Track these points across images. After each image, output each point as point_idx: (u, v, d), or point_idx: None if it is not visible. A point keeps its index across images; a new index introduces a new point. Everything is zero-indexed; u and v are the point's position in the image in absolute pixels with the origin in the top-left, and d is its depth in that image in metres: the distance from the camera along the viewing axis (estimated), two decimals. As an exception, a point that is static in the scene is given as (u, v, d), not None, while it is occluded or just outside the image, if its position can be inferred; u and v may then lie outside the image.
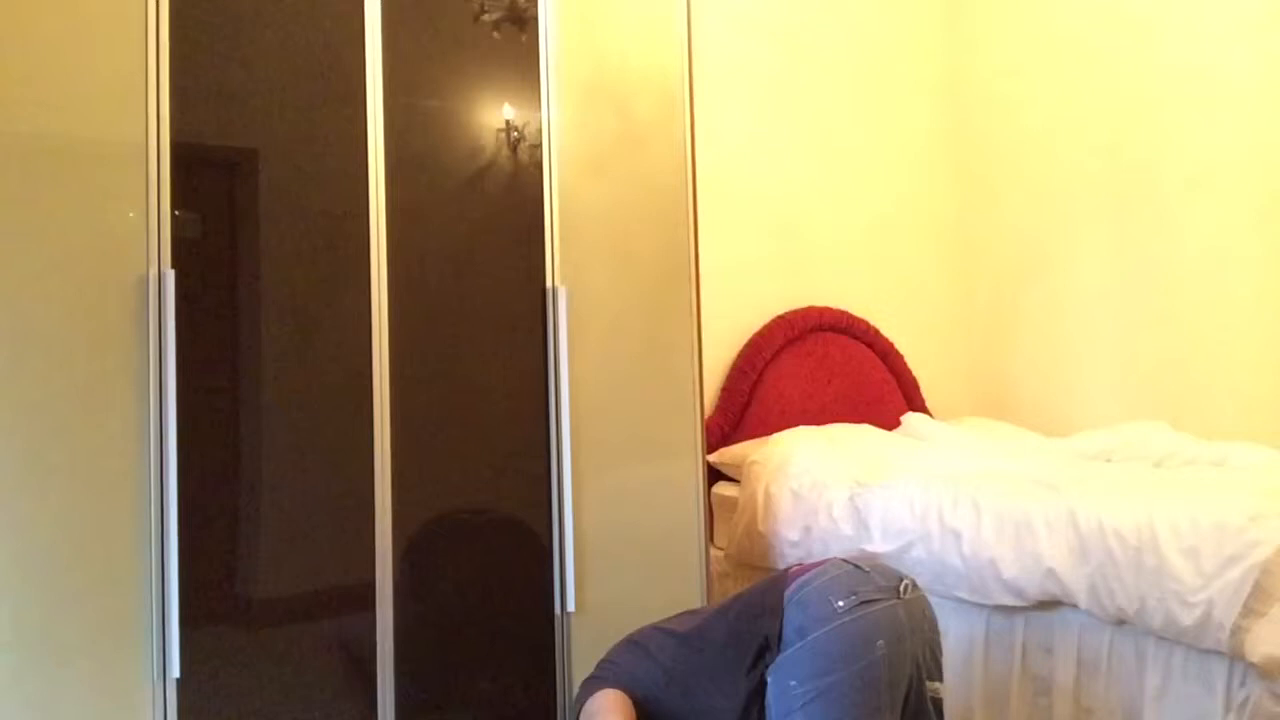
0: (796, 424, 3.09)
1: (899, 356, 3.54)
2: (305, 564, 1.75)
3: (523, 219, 2.00)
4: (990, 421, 3.29)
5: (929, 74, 3.84)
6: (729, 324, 3.24)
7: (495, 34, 1.99)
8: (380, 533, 1.82)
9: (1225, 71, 2.90)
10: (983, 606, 2.10)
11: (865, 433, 2.92)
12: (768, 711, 1.46)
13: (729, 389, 3.15)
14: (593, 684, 1.60)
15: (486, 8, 1.98)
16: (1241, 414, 2.87)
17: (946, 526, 2.14)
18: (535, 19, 2.03)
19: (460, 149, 1.94)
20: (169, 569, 1.60)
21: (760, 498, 2.60)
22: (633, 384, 2.10)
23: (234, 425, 1.71)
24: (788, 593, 1.52)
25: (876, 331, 3.50)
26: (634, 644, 1.64)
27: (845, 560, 1.56)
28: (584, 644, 2.00)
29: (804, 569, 1.56)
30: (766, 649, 1.50)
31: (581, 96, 2.08)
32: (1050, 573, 1.93)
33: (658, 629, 1.66)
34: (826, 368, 3.33)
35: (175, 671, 1.60)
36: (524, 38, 2.02)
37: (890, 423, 3.28)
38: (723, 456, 2.93)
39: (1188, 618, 1.69)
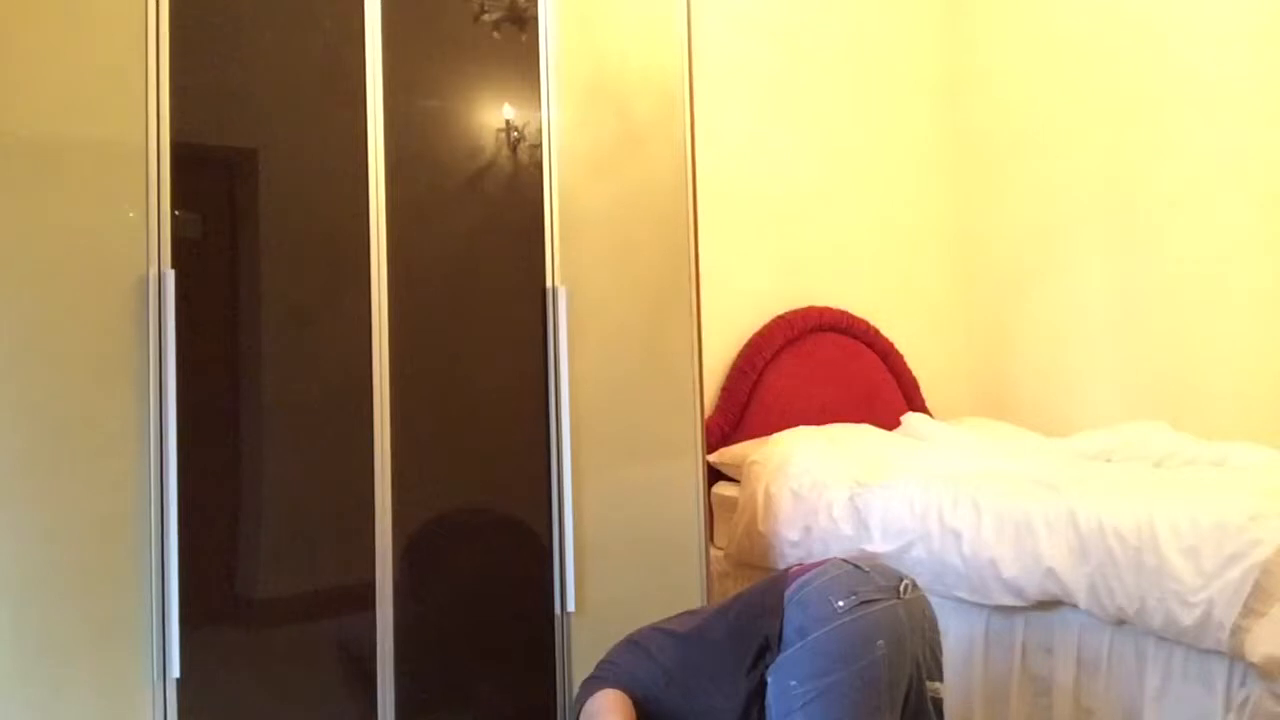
0: (796, 424, 3.09)
1: (899, 356, 3.54)
2: (305, 564, 1.75)
3: (523, 219, 2.00)
4: (990, 421, 3.29)
5: (929, 74, 3.84)
6: (729, 324, 3.24)
7: (495, 34, 1.99)
8: (380, 533, 1.82)
9: (1225, 73, 2.90)
10: (983, 606, 2.10)
11: (865, 433, 2.92)
12: (768, 711, 1.46)
13: (729, 389, 3.15)
14: (593, 684, 1.60)
15: (486, 8, 1.98)
16: (1241, 414, 2.87)
17: (946, 526, 2.14)
18: (535, 19, 2.03)
19: (460, 149, 1.94)
20: (169, 569, 1.60)
21: (760, 498, 2.60)
22: (633, 384, 2.10)
23: (234, 425, 1.71)
24: (788, 593, 1.52)
25: (876, 331, 3.50)
26: (634, 644, 1.64)
27: (845, 560, 1.56)
28: (584, 644, 2.00)
29: (804, 569, 1.56)
30: (766, 649, 1.50)
31: (581, 96, 2.08)
32: (1050, 572, 1.93)
33: (658, 629, 1.66)
34: (826, 368, 3.32)
35: (175, 671, 1.60)
36: (524, 38, 2.02)
37: (890, 423, 3.28)
38: (723, 456, 2.93)
39: (1188, 618, 1.69)
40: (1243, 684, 1.66)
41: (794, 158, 3.46)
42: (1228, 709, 1.67)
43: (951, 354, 3.81)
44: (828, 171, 3.54)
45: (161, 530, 1.61)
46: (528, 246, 2.00)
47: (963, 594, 2.11)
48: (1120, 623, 1.85)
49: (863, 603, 1.45)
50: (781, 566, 2.37)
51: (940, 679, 1.54)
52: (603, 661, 1.65)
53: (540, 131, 2.02)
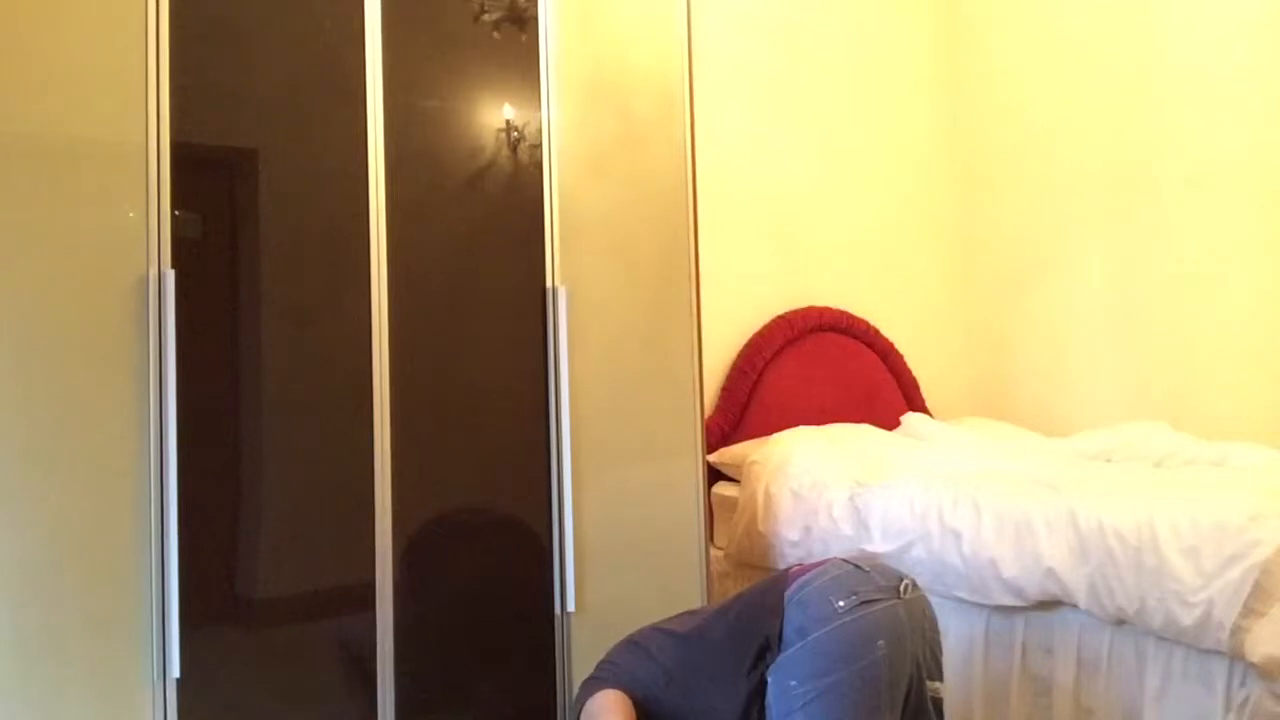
0: (796, 424, 3.09)
1: (899, 356, 3.54)
2: (305, 564, 1.75)
3: (523, 219, 2.00)
4: (990, 421, 3.29)
5: (929, 74, 3.84)
6: (729, 324, 3.23)
7: (495, 34, 1.99)
8: (380, 533, 1.82)
9: (1225, 71, 2.90)
10: (983, 606, 2.10)
11: (865, 433, 2.92)
12: (768, 711, 1.46)
13: (729, 389, 3.15)
14: (593, 684, 1.60)
15: (486, 8, 1.98)
16: (1241, 414, 2.87)
17: (946, 526, 2.14)
18: (535, 19, 2.03)
19: (460, 149, 1.94)
20: (169, 569, 1.60)
21: (760, 498, 2.60)
22: (633, 384, 2.10)
23: (234, 425, 1.71)
24: (788, 593, 1.52)
25: (876, 331, 3.50)
26: (634, 644, 1.64)
27: (845, 560, 1.56)
28: (584, 644, 2.00)
29: (804, 569, 1.56)
30: (767, 649, 1.50)
31: (581, 96, 2.08)
32: (1050, 572, 1.93)
33: (658, 629, 1.66)
34: (826, 368, 3.32)
35: (175, 671, 1.60)
36: (524, 38, 2.02)
37: (890, 423, 3.28)
38: (723, 456, 2.93)
39: (1188, 618, 1.69)
40: (1243, 684, 1.66)
41: (794, 157, 3.46)
42: (1228, 709, 1.67)
43: (951, 354, 3.81)
44: (827, 171, 3.54)
45: (161, 529, 1.61)
46: (528, 246, 2.00)
47: (963, 594, 2.11)
48: (1120, 623, 1.85)
49: (863, 603, 1.45)
50: (781, 566, 2.37)
51: (940, 679, 1.54)
52: (603, 662, 1.65)
53: (540, 131, 2.02)
